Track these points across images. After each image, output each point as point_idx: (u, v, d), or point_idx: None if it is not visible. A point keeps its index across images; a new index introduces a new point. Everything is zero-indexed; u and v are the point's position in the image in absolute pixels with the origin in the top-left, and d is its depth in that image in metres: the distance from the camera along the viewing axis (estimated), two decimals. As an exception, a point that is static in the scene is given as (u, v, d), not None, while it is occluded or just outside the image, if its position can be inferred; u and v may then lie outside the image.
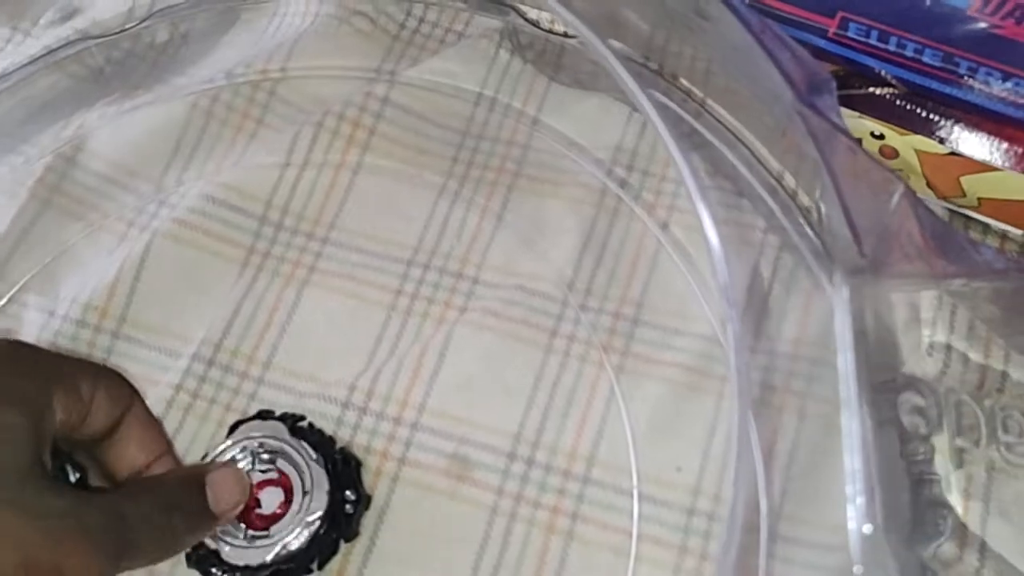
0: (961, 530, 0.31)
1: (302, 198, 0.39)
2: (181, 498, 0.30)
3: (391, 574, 0.34)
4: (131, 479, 0.31)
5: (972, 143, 0.34)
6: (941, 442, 0.32)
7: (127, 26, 0.43)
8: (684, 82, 0.39)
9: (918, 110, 0.35)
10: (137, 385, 0.35)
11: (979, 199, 0.36)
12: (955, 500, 0.32)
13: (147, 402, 0.35)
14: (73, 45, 0.43)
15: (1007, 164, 0.34)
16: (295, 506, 0.33)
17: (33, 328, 0.37)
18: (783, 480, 0.33)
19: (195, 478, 0.31)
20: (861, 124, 0.35)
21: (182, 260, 0.38)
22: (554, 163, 0.39)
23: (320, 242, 0.39)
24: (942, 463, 0.32)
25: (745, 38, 0.29)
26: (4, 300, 0.38)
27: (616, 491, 0.34)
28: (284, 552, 0.32)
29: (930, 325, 0.34)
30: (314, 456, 0.33)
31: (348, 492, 0.34)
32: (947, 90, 0.34)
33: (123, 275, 0.38)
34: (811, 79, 0.30)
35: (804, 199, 0.36)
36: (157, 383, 0.36)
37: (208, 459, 0.34)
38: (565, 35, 0.41)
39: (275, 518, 0.33)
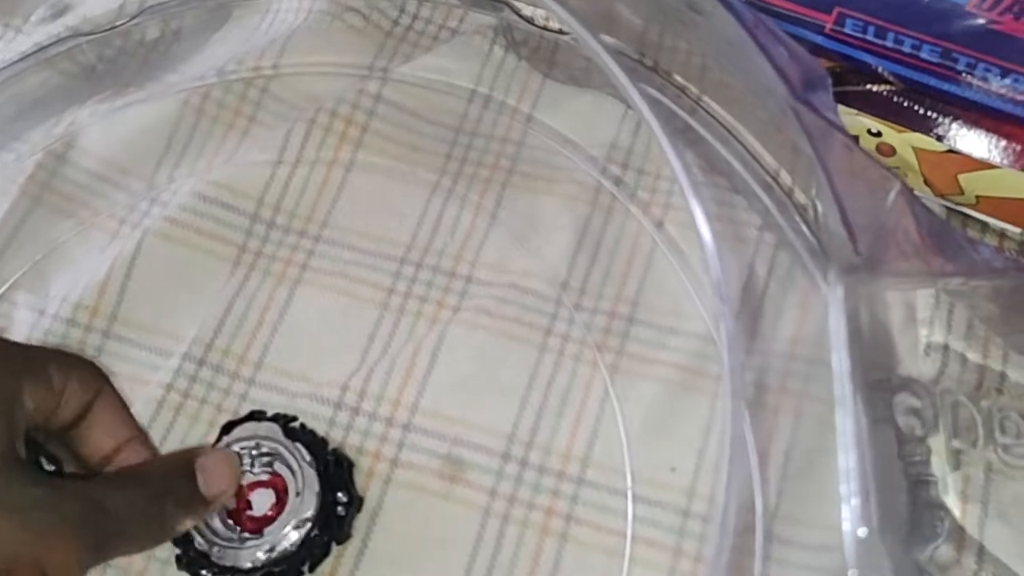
0: (958, 533, 0.31)
1: (294, 196, 0.39)
2: (172, 485, 0.30)
3: (383, 576, 0.33)
4: (116, 469, 0.31)
5: (970, 140, 0.34)
6: (937, 444, 0.32)
7: (118, 23, 0.43)
8: (679, 79, 0.39)
9: (916, 107, 0.34)
10: (127, 385, 0.35)
11: (977, 197, 0.35)
12: (952, 502, 0.31)
13: (137, 403, 0.35)
14: (64, 42, 0.42)
15: (1006, 162, 0.33)
16: (287, 508, 0.33)
17: (23, 327, 0.37)
18: (779, 481, 0.33)
19: (185, 464, 0.31)
20: (858, 121, 0.35)
21: (173, 258, 0.38)
22: (548, 160, 0.39)
23: (312, 240, 0.38)
24: (939, 465, 0.32)
25: (739, 33, 0.29)
26: (-6, 299, 0.38)
27: (610, 492, 0.34)
28: (275, 554, 0.32)
29: (928, 325, 0.34)
30: (307, 458, 0.33)
31: (340, 494, 0.33)
32: (945, 87, 0.34)
33: (114, 273, 0.37)
34: (806, 75, 0.30)
35: (800, 197, 0.36)
36: (147, 383, 0.36)
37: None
38: (559, 32, 0.41)
39: (267, 520, 0.33)
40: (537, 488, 0.34)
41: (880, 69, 0.35)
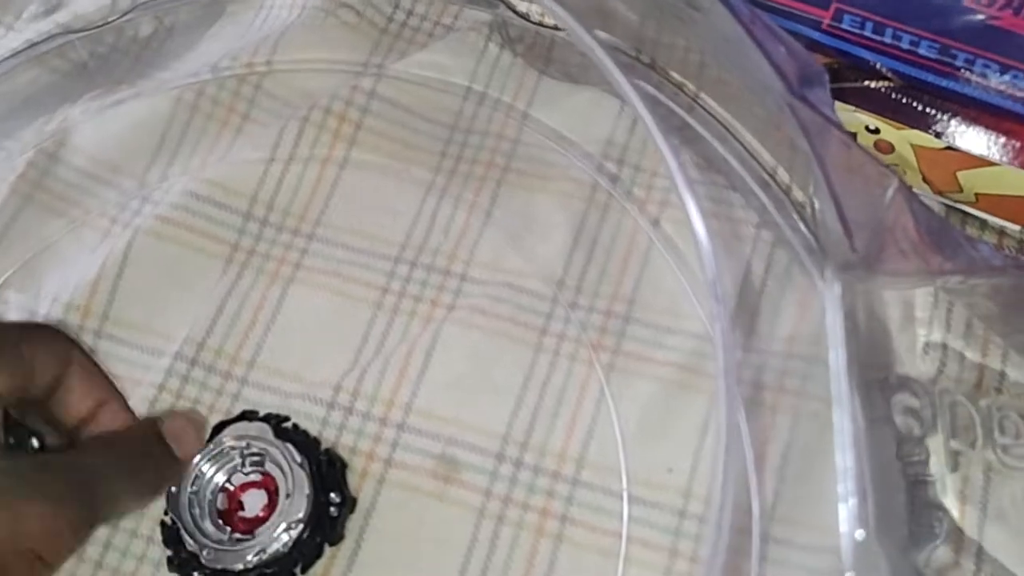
0: (957, 534, 0.31)
1: (287, 194, 0.39)
2: (149, 447, 0.32)
3: (376, 578, 0.33)
4: (92, 436, 0.31)
5: (969, 137, 0.34)
6: (936, 444, 0.31)
7: (110, 19, 0.42)
8: (676, 76, 0.38)
9: (914, 104, 0.34)
10: (119, 385, 0.35)
11: (976, 194, 0.35)
12: (951, 504, 0.31)
13: (129, 403, 0.35)
14: (56, 39, 0.42)
15: (1005, 159, 0.33)
16: (278, 509, 0.32)
17: (14, 327, 0.37)
18: (776, 481, 0.32)
19: (152, 430, 0.32)
20: (856, 118, 0.35)
21: (165, 257, 0.37)
22: (544, 158, 0.39)
23: (306, 239, 0.38)
24: (937, 466, 0.31)
25: (736, 29, 0.29)
26: (-16, 298, 0.38)
27: (606, 493, 0.33)
28: (267, 556, 0.32)
29: (926, 324, 0.33)
30: (298, 459, 0.33)
31: (333, 494, 0.33)
32: (944, 83, 0.33)
33: (105, 272, 0.37)
34: (804, 71, 0.29)
35: (798, 194, 0.36)
36: (139, 383, 0.36)
37: (197, 459, 0.33)
38: (555, 28, 0.40)
39: (259, 521, 0.33)
40: (532, 489, 0.34)
41: (878, 65, 0.34)
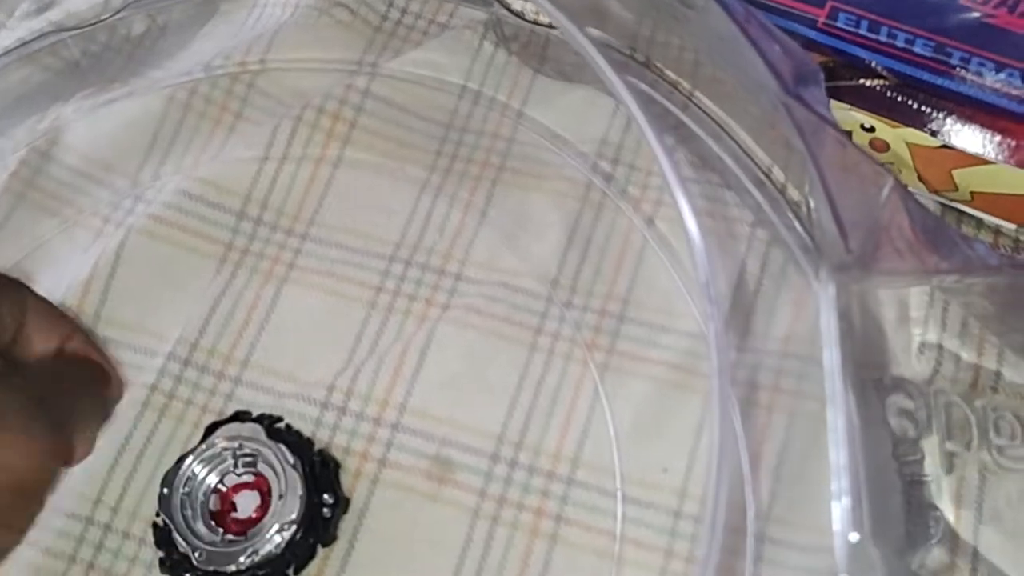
0: (952, 536, 0.30)
1: (281, 193, 0.39)
2: (82, 364, 0.31)
3: (370, 579, 0.33)
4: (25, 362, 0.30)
5: (965, 136, 0.33)
6: (931, 445, 0.31)
7: (103, 17, 0.42)
8: (670, 74, 0.38)
9: (909, 102, 0.34)
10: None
11: (972, 193, 0.35)
12: (946, 505, 0.31)
13: (121, 404, 0.34)
14: (48, 37, 0.42)
15: (1000, 157, 0.33)
16: (271, 510, 0.32)
17: (5, 327, 0.37)
18: (771, 481, 0.32)
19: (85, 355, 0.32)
20: (851, 116, 0.35)
21: (158, 257, 0.37)
22: (538, 157, 0.39)
23: (299, 238, 0.38)
24: (932, 467, 0.31)
25: (731, 28, 0.28)
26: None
27: (600, 493, 0.33)
28: (260, 557, 0.32)
29: (921, 324, 0.33)
30: (290, 459, 0.32)
31: (326, 495, 0.33)
32: (939, 81, 0.33)
33: (98, 272, 0.37)
34: (799, 70, 0.29)
35: (793, 193, 0.36)
36: (132, 383, 0.35)
37: (189, 461, 0.33)
38: (550, 26, 0.40)
39: (251, 522, 0.33)
40: (526, 489, 0.33)
41: (873, 64, 0.34)
